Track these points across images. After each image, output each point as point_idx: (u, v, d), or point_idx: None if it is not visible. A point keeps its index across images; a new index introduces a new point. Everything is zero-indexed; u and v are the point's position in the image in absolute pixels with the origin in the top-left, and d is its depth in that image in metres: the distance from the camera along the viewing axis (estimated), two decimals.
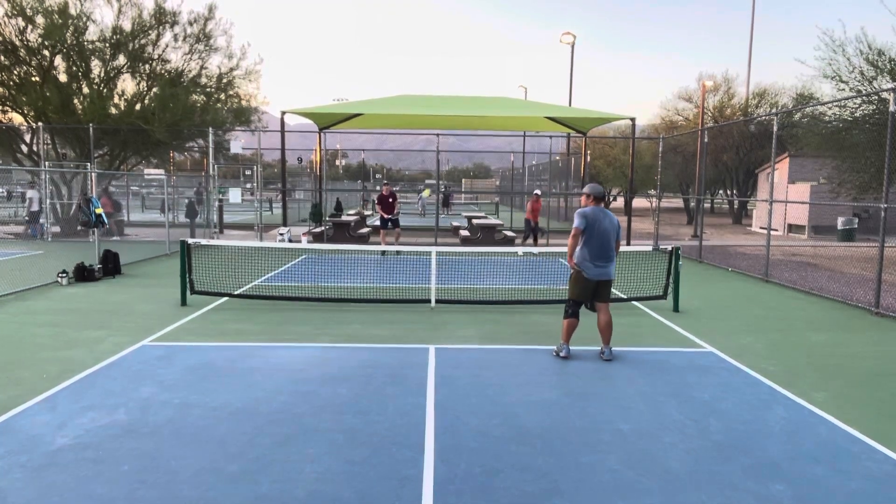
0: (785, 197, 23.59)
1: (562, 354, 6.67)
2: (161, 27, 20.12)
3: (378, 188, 17.86)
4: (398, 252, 14.81)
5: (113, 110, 19.80)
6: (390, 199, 16.10)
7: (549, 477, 4.02)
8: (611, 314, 6.76)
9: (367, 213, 29.00)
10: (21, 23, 18.47)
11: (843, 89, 15.26)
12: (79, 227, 15.83)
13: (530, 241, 17.36)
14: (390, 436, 4.60)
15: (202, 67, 21.36)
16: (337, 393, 5.50)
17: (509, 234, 20.69)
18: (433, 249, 10.20)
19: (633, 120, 19.02)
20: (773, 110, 31.70)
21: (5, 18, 18.25)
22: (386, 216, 16.09)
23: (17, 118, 20.15)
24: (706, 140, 18.02)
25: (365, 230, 20.17)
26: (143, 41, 19.99)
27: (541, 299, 9.89)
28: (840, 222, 22.91)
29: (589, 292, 6.63)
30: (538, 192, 16.86)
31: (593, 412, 5.15)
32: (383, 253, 15.09)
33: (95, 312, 8.61)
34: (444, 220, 25.97)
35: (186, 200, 22.73)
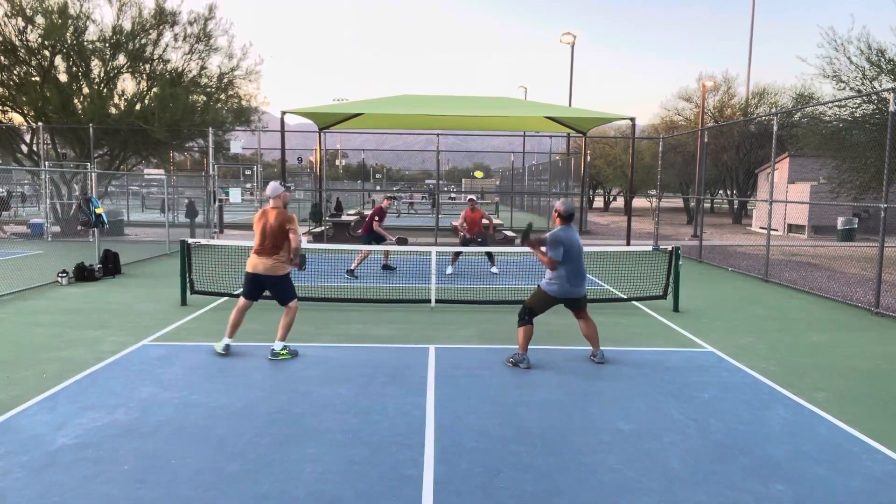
0: (785, 197, 23.59)
1: (522, 366, 6.31)
2: (161, 27, 20.13)
3: (385, 196, 13.36)
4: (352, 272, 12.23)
5: (113, 110, 19.81)
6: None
7: (549, 477, 4.02)
8: (592, 319, 6.62)
9: (366, 212, 28.96)
10: (21, 23, 18.48)
11: (844, 89, 15.27)
12: (79, 227, 15.82)
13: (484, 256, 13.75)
14: (390, 436, 4.60)
15: (202, 67, 21.39)
16: (337, 393, 5.50)
17: (509, 234, 20.71)
18: (433, 249, 10.19)
19: (633, 120, 19.01)
20: (773, 110, 31.70)
21: (5, 18, 18.26)
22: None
23: (17, 118, 20.16)
24: (706, 140, 18.02)
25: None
26: (143, 41, 20.00)
27: None
28: (840, 222, 22.91)
29: (549, 307, 6.46)
30: (473, 198, 13.08)
31: (593, 412, 5.15)
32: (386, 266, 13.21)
33: (95, 312, 8.61)
34: (442, 220, 25.98)
35: (186, 200, 22.74)
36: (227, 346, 6.60)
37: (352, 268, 12.09)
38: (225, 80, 21.82)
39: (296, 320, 8.12)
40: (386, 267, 13.14)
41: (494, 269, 13.05)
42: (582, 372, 6.24)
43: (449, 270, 12.81)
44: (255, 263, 6.51)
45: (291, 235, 6.42)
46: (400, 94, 20.89)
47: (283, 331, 6.56)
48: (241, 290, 6.71)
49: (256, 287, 6.60)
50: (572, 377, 6.07)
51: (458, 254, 13.12)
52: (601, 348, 6.67)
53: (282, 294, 6.58)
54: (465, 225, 12.96)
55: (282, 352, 6.50)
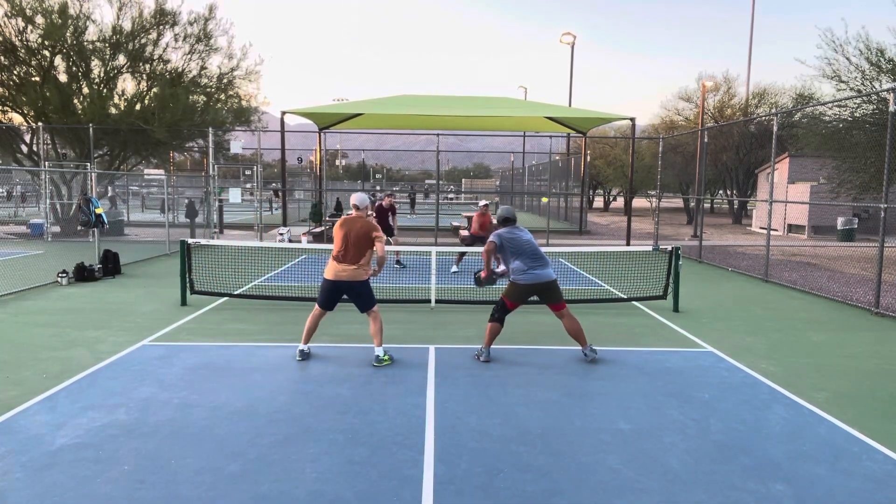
0: (785, 197, 23.59)
1: (481, 359, 6.52)
2: (161, 27, 20.13)
3: (380, 196, 14.54)
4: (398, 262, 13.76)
5: (113, 110, 19.81)
6: (390, 213, 13.39)
7: (549, 477, 4.02)
8: (574, 316, 6.63)
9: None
10: (21, 23, 18.48)
11: (843, 89, 15.27)
12: (79, 227, 15.83)
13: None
14: (390, 436, 4.60)
15: (202, 67, 21.38)
16: (337, 393, 5.50)
17: None
18: (433, 249, 10.19)
19: (632, 120, 19.02)
20: (773, 110, 31.69)
21: (5, 18, 18.26)
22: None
23: (17, 118, 20.16)
24: (706, 140, 18.02)
25: None
26: (143, 41, 20.00)
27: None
28: (840, 222, 22.92)
29: (526, 297, 6.52)
30: (487, 203, 13.39)
31: (593, 412, 5.15)
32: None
33: (95, 312, 8.61)
34: (442, 220, 25.94)
35: (186, 200, 22.76)
36: (303, 352, 6.48)
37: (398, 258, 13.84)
38: (225, 81, 21.83)
39: (295, 321, 8.15)
40: (399, 263, 13.69)
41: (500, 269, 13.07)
42: (582, 372, 6.25)
43: (454, 269, 13.02)
44: (336, 271, 6.31)
45: (378, 245, 6.31)
46: (400, 94, 20.89)
47: (378, 337, 6.40)
48: (317, 298, 6.54)
49: (335, 294, 6.42)
50: (572, 377, 6.07)
51: (462, 254, 13.35)
52: (590, 344, 6.70)
53: (363, 300, 6.42)
54: (472, 225, 13.41)
55: (385, 357, 6.38)
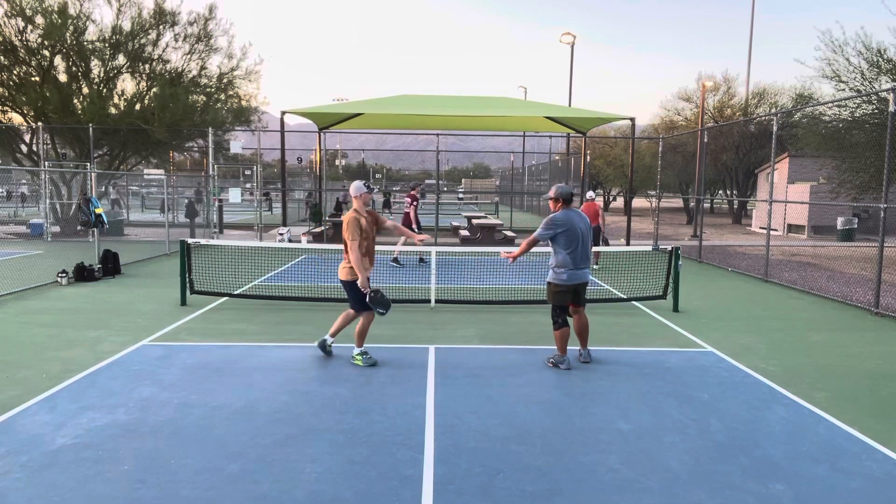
0: (785, 197, 23.59)
1: (562, 367, 6.34)
2: (161, 27, 20.13)
3: (411, 185, 14.22)
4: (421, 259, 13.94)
5: (113, 110, 19.81)
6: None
7: (549, 477, 4.02)
8: (587, 316, 6.63)
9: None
10: (21, 23, 18.48)
11: (843, 89, 15.27)
12: (79, 227, 15.83)
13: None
14: (390, 436, 4.60)
15: (202, 67, 21.39)
16: (337, 393, 5.50)
17: (509, 234, 20.70)
18: (433, 249, 10.19)
19: (632, 120, 19.01)
20: (773, 110, 31.69)
21: (5, 18, 18.26)
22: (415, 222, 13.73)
23: (17, 118, 20.16)
24: (706, 140, 18.02)
25: None
26: (142, 41, 20.01)
27: (540, 299, 9.89)
28: (840, 222, 22.92)
29: (570, 296, 6.38)
30: (592, 194, 13.85)
31: (593, 412, 5.15)
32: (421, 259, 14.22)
33: (95, 312, 8.61)
34: (442, 220, 25.88)
35: (186, 200, 22.76)
36: (327, 346, 6.66)
37: (395, 256, 13.79)
38: (225, 81, 21.83)
39: (295, 321, 8.16)
40: (395, 261, 13.68)
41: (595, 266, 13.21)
42: (582, 372, 6.24)
43: (595, 266, 13.09)
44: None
45: (349, 244, 6.10)
46: (400, 94, 20.88)
47: (355, 337, 6.40)
48: None
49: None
50: (572, 377, 6.07)
51: (596, 254, 13.33)
52: (589, 348, 6.68)
53: (351, 300, 6.37)
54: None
55: (356, 356, 6.39)
